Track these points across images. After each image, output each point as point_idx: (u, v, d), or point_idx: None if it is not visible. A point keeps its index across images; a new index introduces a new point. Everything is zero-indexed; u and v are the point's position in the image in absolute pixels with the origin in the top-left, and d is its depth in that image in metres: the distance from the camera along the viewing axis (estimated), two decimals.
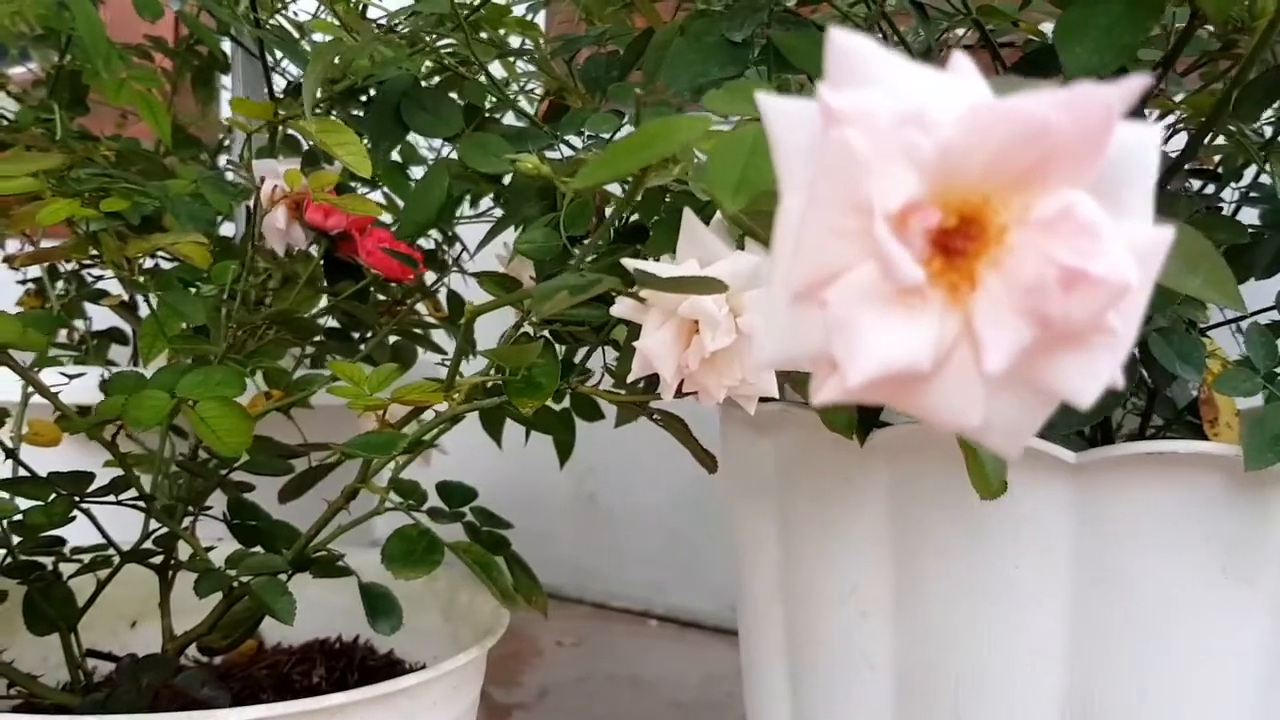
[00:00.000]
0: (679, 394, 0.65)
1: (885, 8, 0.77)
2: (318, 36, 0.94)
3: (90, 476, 0.72)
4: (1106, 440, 0.82)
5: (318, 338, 0.95)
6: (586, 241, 0.61)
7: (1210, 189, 0.82)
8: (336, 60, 0.73)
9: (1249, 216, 0.84)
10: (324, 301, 0.91)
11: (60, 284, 1.03)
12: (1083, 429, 0.79)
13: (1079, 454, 0.68)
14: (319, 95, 0.89)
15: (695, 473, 0.79)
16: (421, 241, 1.07)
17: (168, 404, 0.65)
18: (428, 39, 0.75)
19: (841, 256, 0.33)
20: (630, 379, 0.62)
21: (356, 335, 1.03)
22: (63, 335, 1.12)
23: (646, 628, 1.38)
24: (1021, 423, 0.35)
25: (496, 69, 1.11)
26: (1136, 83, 0.32)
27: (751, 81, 0.58)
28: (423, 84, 0.74)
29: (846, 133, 0.33)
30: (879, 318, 0.34)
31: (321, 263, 0.87)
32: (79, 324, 1.09)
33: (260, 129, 0.68)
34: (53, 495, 0.70)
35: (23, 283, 1.06)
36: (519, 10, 1.11)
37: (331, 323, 0.99)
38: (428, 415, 0.70)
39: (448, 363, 0.94)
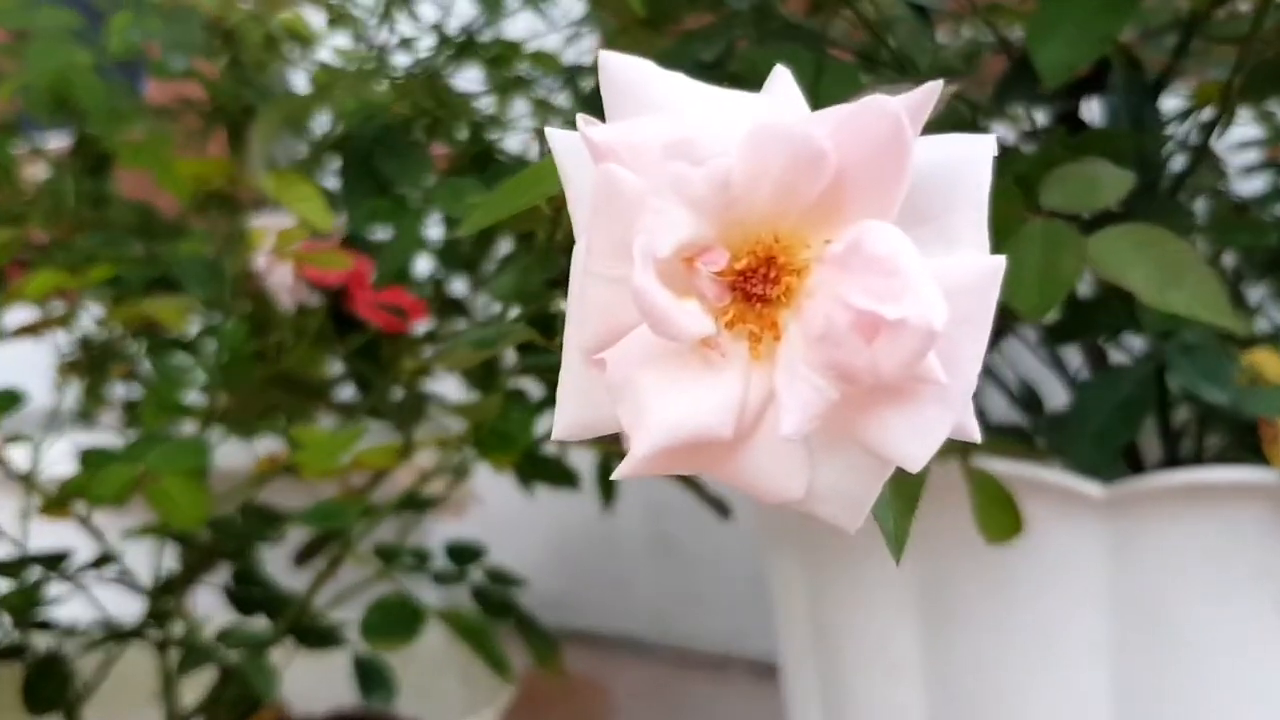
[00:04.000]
0: None
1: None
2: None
3: (66, 554, 0.70)
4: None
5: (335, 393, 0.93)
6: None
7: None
8: (282, 117, 0.71)
9: None
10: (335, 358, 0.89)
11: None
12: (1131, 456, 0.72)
13: (1106, 488, 0.62)
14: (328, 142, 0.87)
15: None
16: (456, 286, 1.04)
17: (129, 478, 0.63)
18: (394, 80, 0.72)
19: (626, 309, 0.29)
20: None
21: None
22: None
23: (727, 675, 1.33)
24: (856, 490, 0.30)
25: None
26: (925, 90, 0.27)
27: None
28: (396, 129, 0.71)
29: (611, 168, 0.28)
30: (666, 379, 0.29)
31: (331, 318, 0.85)
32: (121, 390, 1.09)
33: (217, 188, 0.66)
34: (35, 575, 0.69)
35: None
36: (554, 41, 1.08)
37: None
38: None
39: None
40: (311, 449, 0.63)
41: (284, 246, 0.67)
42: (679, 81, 0.30)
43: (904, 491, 0.37)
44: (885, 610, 0.71)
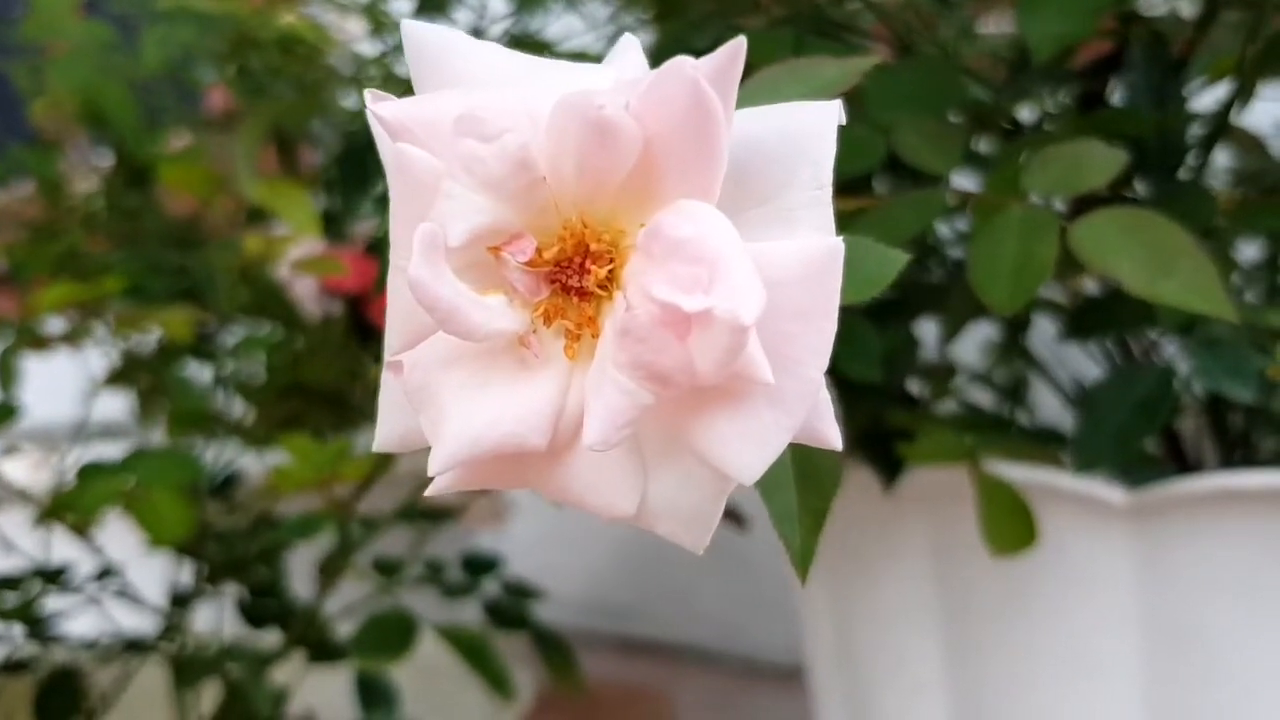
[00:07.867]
0: None
1: None
2: None
3: (65, 568, 0.69)
4: None
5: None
6: None
7: None
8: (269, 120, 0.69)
9: None
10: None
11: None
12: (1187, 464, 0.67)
13: (1128, 494, 0.57)
14: None
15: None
16: None
17: (117, 491, 0.62)
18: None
19: None
20: None
21: None
22: None
23: (794, 685, 1.28)
24: (695, 506, 0.27)
25: None
26: (728, 49, 0.24)
27: None
28: None
29: (404, 148, 0.25)
30: (472, 383, 0.26)
31: (357, 327, 0.84)
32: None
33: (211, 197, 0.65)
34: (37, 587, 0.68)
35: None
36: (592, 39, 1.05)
37: None
38: None
39: None
40: (299, 459, 0.61)
41: (274, 254, 0.65)
42: (493, 52, 0.27)
43: (811, 505, 0.34)
44: (907, 628, 0.67)
